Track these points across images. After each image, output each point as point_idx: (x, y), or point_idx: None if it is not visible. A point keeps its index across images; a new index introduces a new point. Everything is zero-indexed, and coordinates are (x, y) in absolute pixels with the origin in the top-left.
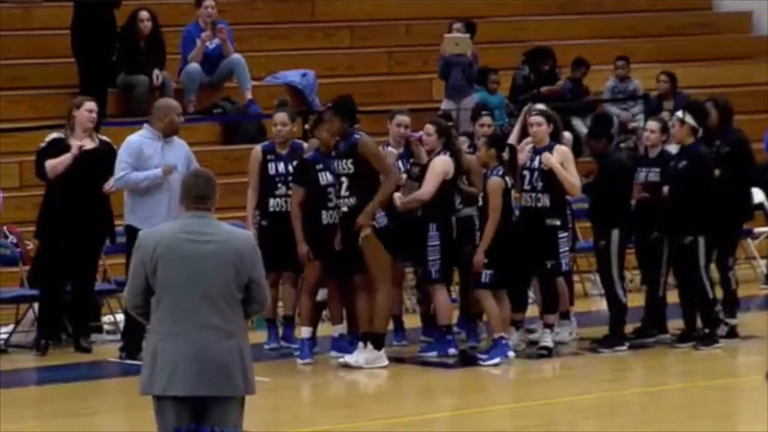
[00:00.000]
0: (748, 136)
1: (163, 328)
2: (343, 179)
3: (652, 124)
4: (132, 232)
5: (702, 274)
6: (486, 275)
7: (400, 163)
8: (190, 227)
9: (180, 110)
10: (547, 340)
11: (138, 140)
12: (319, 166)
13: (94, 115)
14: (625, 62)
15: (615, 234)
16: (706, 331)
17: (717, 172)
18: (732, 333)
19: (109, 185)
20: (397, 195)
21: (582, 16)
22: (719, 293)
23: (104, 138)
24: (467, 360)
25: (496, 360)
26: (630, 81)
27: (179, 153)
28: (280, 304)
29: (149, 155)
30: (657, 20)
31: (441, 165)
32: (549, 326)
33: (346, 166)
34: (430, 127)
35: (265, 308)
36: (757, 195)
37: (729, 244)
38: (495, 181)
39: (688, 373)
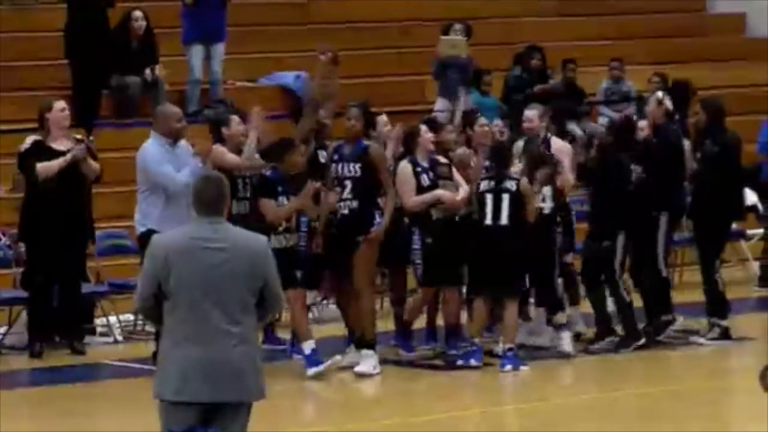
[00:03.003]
0: (740, 137)
1: (176, 333)
2: (347, 182)
3: (642, 123)
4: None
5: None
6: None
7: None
8: (203, 233)
9: (179, 116)
10: (565, 345)
11: (156, 150)
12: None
13: (67, 112)
14: (619, 64)
15: (621, 236)
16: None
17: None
18: (725, 335)
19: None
20: (448, 195)
21: (576, 18)
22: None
23: (79, 137)
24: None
25: (460, 362)
26: (623, 82)
27: (188, 157)
28: None
29: (172, 161)
30: (651, 22)
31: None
32: (558, 327)
33: (353, 169)
34: (450, 127)
35: (279, 312)
36: (750, 196)
37: (715, 246)
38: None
39: (679, 376)
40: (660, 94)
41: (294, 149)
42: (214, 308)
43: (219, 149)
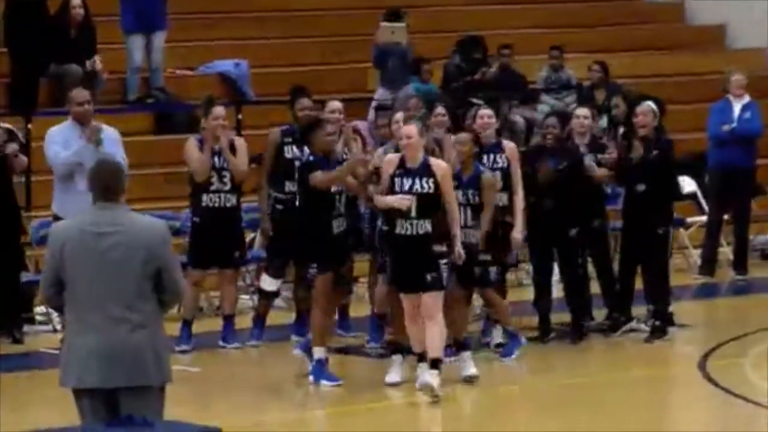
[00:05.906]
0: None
1: (75, 321)
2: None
3: (585, 111)
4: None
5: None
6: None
7: None
8: (98, 220)
9: (82, 99)
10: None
11: (57, 129)
12: None
13: None
14: (559, 52)
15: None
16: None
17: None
18: (669, 320)
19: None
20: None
21: (516, 6)
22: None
23: (6, 126)
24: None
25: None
26: (563, 71)
27: (111, 143)
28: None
29: (69, 142)
30: (591, 10)
31: None
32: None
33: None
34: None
35: (181, 297)
36: (689, 184)
37: None
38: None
39: (620, 363)
40: (652, 104)
41: (319, 128)
42: (108, 295)
43: (189, 144)
